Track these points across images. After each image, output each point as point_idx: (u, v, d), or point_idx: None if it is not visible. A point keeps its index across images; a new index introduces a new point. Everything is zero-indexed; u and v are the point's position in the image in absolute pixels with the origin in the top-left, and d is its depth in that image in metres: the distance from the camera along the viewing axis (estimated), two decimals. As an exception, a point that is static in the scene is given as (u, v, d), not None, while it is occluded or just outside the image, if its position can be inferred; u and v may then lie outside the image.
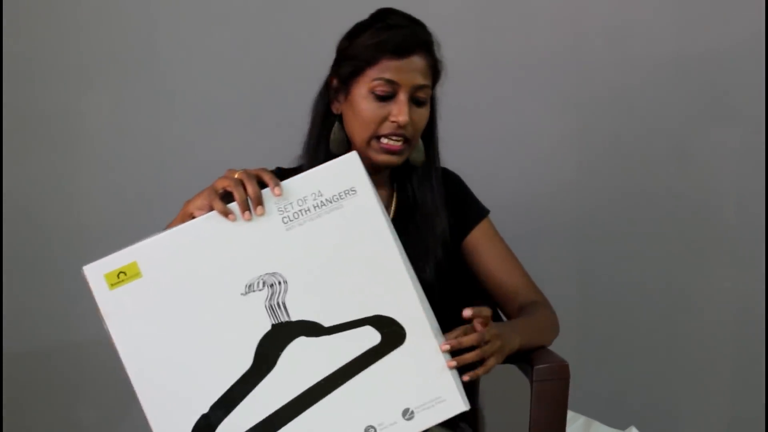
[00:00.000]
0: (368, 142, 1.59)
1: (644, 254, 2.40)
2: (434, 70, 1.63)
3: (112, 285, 1.33)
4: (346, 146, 1.63)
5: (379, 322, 1.35)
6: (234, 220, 1.34)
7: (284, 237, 1.34)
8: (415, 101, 1.59)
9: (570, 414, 1.73)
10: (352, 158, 1.37)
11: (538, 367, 1.52)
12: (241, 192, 1.34)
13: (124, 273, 1.33)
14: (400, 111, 1.56)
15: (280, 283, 1.34)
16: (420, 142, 1.66)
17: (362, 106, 1.58)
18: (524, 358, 1.56)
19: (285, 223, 1.34)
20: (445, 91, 2.24)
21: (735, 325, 2.42)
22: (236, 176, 1.36)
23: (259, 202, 1.34)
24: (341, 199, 1.35)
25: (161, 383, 1.33)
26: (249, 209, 1.34)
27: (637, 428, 1.98)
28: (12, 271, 2.38)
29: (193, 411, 1.33)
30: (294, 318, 1.34)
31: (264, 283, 1.34)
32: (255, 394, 1.34)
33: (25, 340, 2.40)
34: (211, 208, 1.35)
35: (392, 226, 1.37)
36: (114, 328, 1.33)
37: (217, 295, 1.33)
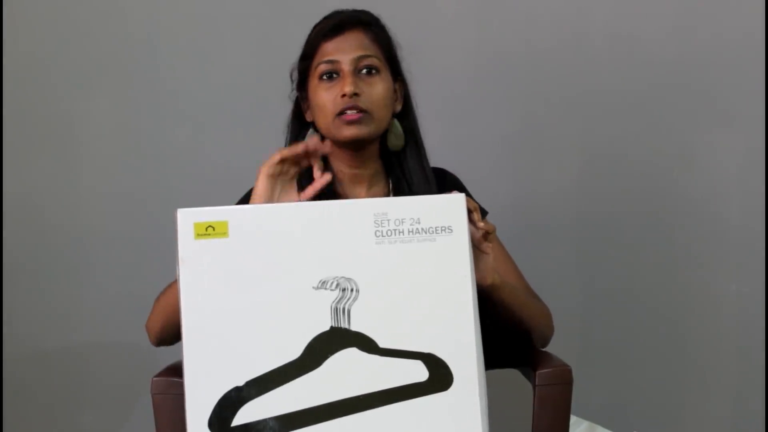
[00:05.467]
0: (332, 123, 1.65)
1: (647, 257, 2.40)
2: (380, 44, 1.68)
3: (198, 235, 1.35)
4: None
5: (431, 360, 1.36)
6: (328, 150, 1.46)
7: (372, 249, 1.36)
8: (363, 72, 1.65)
9: (573, 419, 1.71)
10: (458, 199, 1.39)
11: (540, 371, 1.54)
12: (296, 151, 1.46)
13: (213, 228, 1.35)
14: (344, 83, 1.63)
15: (352, 290, 1.36)
16: (398, 126, 1.71)
17: (316, 95, 1.67)
18: (527, 362, 1.56)
19: (377, 237, 1.37)
20: (446, 92, 2.26)
21: (738, 328, 2.40)
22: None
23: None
24: (436, 233, 1.38)
25: (210, 344, 1.34)
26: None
27: (640, 433, 1.97)
28: (13, 272, 2.41)
29: (229, 380, 1.33)
30: (353, 328, 1.35)
31: (338, 285, 1.35)
32: (291, 386, 1.34)
33: (26, 342, 2.42)
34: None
35: (475, 276, 1.39)
36: (185, 275, 1.34)
37: (290, 279, 1.35)
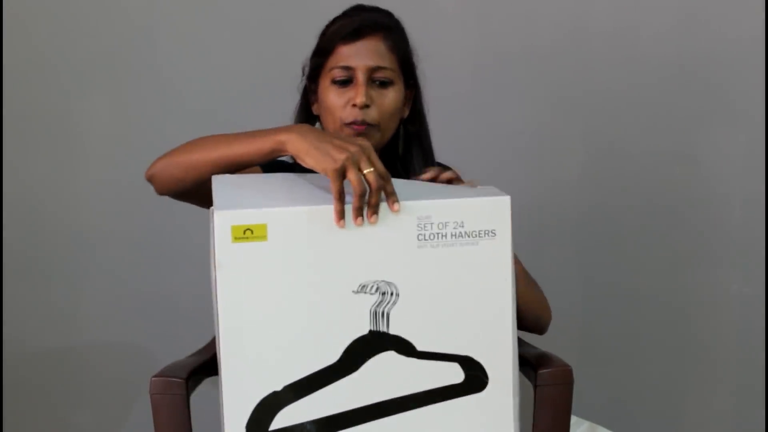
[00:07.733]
0: (338, 131, 1.61)
1: (648, 256, 2.43)
2: (397, 53, 1.64)
3: (236, 238, 1.30)
4: None
5: (467, 363, 1.36)
6: (342, 227, 1.30)
7: (413, 253, 1.33)
8: (376, 83, 1.61)
9: (573, 419, 1.73)
10: (504, 202, 1.37)
11: (541, 371, 1.53)
12: (362, 201, 1.30)
13: (251, 231, 1.30)
14: (357, 93, 1.59)
15: (392, 294, 1.33)
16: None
17: (326, 96, 1.62)
18: (527, 362, 1.57)
19: (419, 240, 1.33)
20: (447, 91, 2.26)
21: (740, 329, 2.44)
22: (366, 174, 1.31)
23: (375, 211, 1.31)
24: (479, 237, 1.35)
25: (248, 349, 1.31)
26: (362, 216, 1.30)
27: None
28: (13, 272, 2.36)
29: (267, 385, 1.31)
30: (392, 331, 1.34)
31: (378, 288, 1.33)
32: (329, 389, 1.33)
33: (26, 342, 2.39)
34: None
35: (515, 281, 1.38)
36: (222, 280, 1.30)
37: (330, 284, 1.32)
